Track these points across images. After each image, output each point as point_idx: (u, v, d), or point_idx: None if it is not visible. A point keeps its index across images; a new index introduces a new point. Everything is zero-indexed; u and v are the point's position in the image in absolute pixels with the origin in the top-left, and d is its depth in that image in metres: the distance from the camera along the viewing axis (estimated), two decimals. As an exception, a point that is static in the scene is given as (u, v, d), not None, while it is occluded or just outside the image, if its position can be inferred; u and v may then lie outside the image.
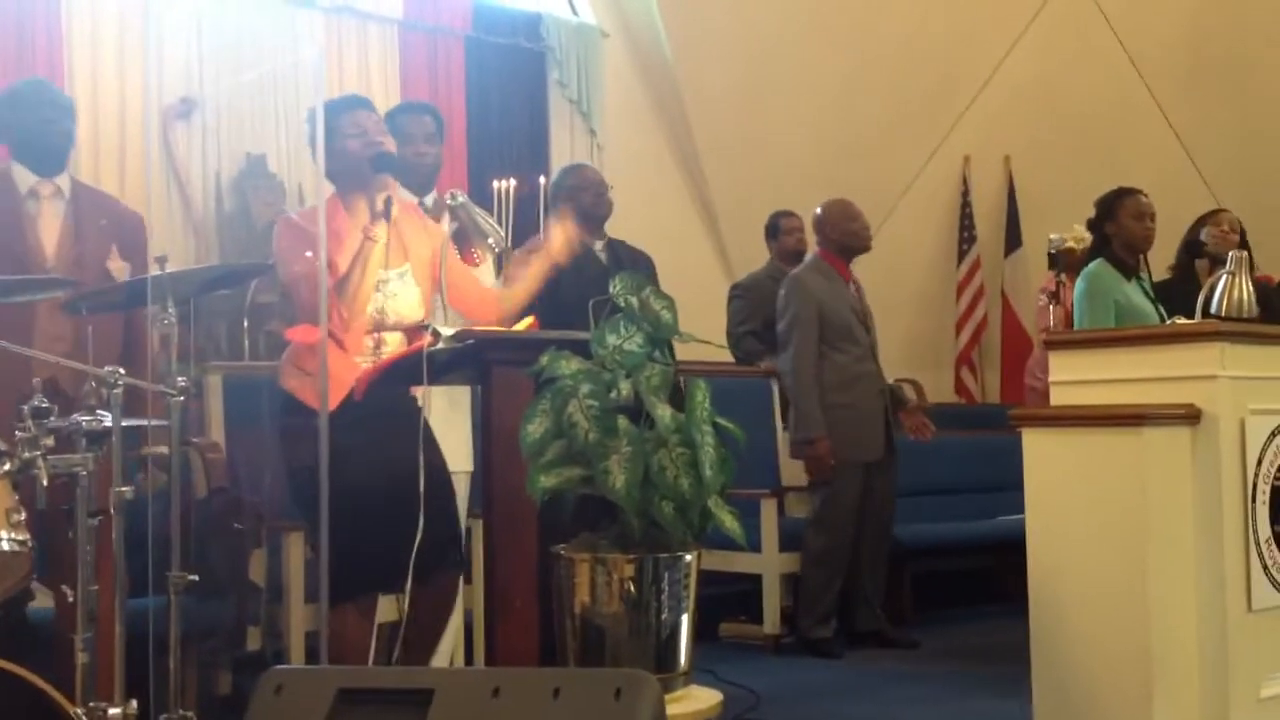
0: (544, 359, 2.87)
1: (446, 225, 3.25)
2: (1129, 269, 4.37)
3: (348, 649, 3.05)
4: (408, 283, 3.25)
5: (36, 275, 3.22)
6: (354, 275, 3.11)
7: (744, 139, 7.61)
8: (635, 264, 4.29)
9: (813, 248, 5.29)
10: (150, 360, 3.18)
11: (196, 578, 2.75)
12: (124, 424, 2.55)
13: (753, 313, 6.03)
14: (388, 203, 3.14)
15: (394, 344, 3.21)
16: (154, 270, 2.81)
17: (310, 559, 3.58)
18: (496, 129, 6.91)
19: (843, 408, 4.97)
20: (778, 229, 6.22)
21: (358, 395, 2.96)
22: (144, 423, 2.80)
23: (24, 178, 3.41)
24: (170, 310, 2.71)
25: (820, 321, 4.97)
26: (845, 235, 5.08)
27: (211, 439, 3.89)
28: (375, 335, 3.20)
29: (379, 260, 3.14)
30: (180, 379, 2.69)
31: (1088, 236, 4.62)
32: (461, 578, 3.44)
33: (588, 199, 4.26)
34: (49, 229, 3.40)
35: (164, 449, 2.72)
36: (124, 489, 2.54)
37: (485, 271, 3.71)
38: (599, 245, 4.25)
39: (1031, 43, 8.25)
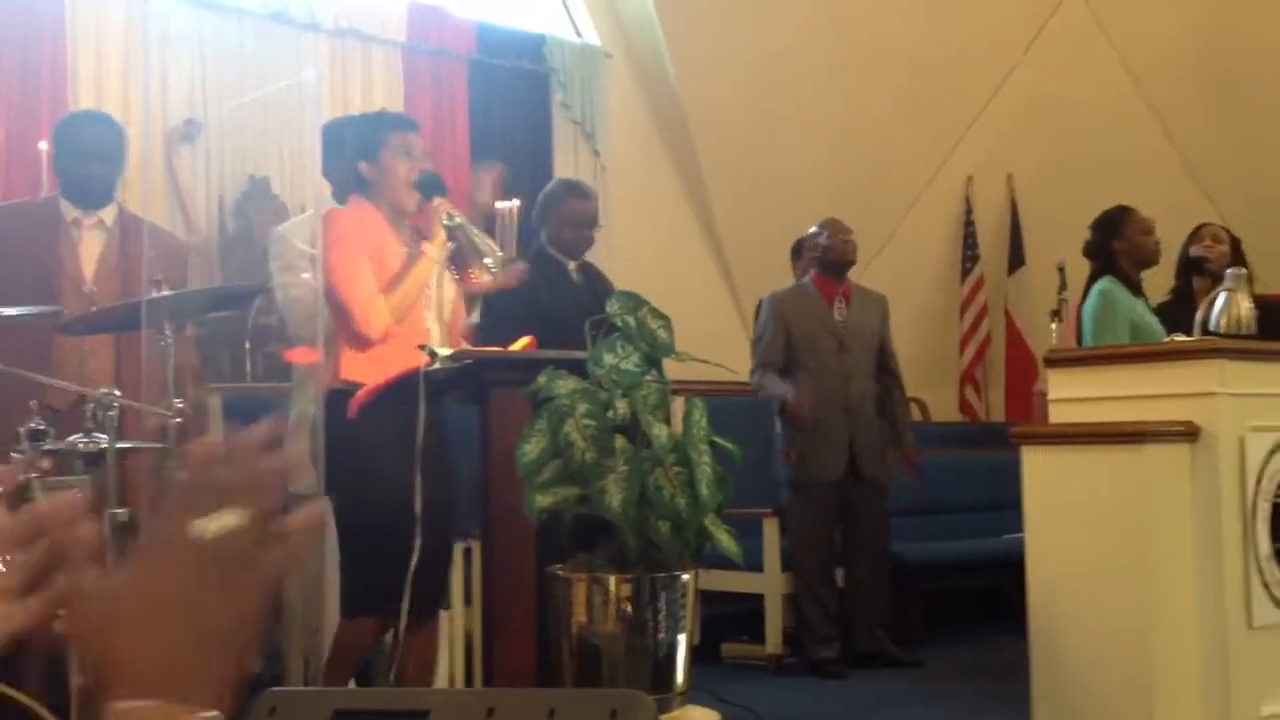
0: (541, 379, 2.87)
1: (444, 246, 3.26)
2: (1135, 286, 4.38)
3: (349, 663, 3.06)
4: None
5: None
6: (404, 285, 3.11)
7: (748, 160, 7.62)
8: (603, 285, 4.30)
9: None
10: (144, 382, 3.20)
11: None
12: (120, 446, 2.56)
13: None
14: (452, 226, 3.16)
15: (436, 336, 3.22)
16: (150, 293, 2.82)
17: (311, 577, 3.58)
18: (500, 151, 6.91)
19: (805, 426, 4.99)
20: (802, 249, 6.29)
21: (351, 413, 2.97)
22: (141, 445, 2.81)
23: (69, 210, 3.62)
24: (167, 332, 2.72)
25: (788, 340, 5.10)
26: (824, 250, 5.18)
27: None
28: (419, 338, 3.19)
29: (427, 278, 3.16)
30: (178, 400, 2.70)
31: None
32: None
33: (568, 233, 4.25)
34: (89, 257, 3.58)
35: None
36: (119, 511, 2.55)
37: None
38: (572, 266, 4.25)
39: (1033, 62, 8.26)
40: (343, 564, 3.17)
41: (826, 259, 5.18)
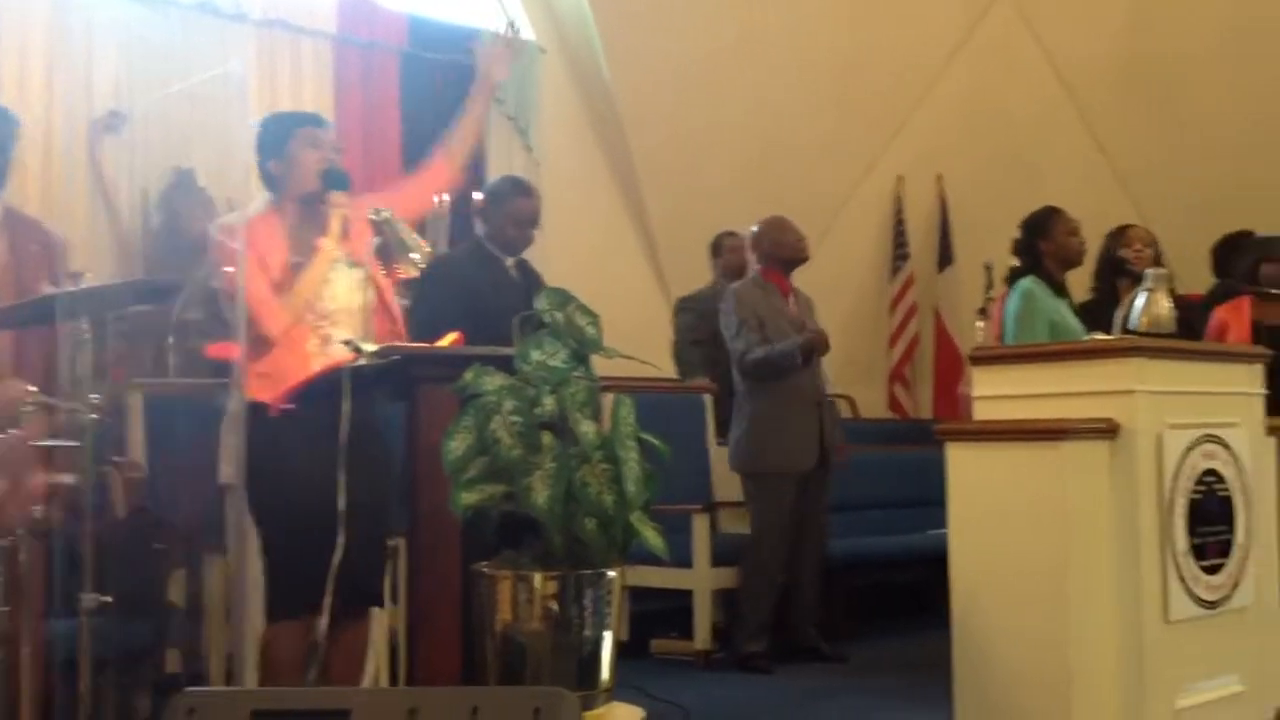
0: (468, 375, 2.86)
1: (370, 241, 3.23)
2: (1059, 286, 4.45)
3: (280, 669, 3.02)
4: (362, 284, 3.23)
5: None
6: (301, 278, 3.09)
7: (681, 157, 7.64)
8: (539, 284, 4.29)
9: (753, 266, 5.35)
10: (60, 378, 3.13)
11: (110, 599, 2.71)
12: (39, 444, 2.51)
13: (699, 325, 6.12)
14: (344, 224, 3.14)
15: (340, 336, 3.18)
16: (68, 286, 2.77)
17: (233, 576, 3.54)
18: (432, 144, 6.85)
19: (776, 418, 5.05)
20: (720, 247, 6.32)
21: (273, 411, 2.94)
22: (58, 443, 2.76)
23: None
24: (84, 327, 2.67)
25: (760, 331, 5.11)
26: (780, 248, 5.22)
27: (132, 458, 3.83)
28: (323, 334, 3.16)
29: (322, 273, 3.13)
30: (94, 397, 2.65)
31: None
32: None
33: (511, 231, 4.24)
34: None
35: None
36: (35, 508, 2.50)
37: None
38: (510, 262, 4.24)
39: (963, 64, 8.36)
40: (267, 567, 3.12)
41: (786, 256, 5.22)
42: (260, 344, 3.09)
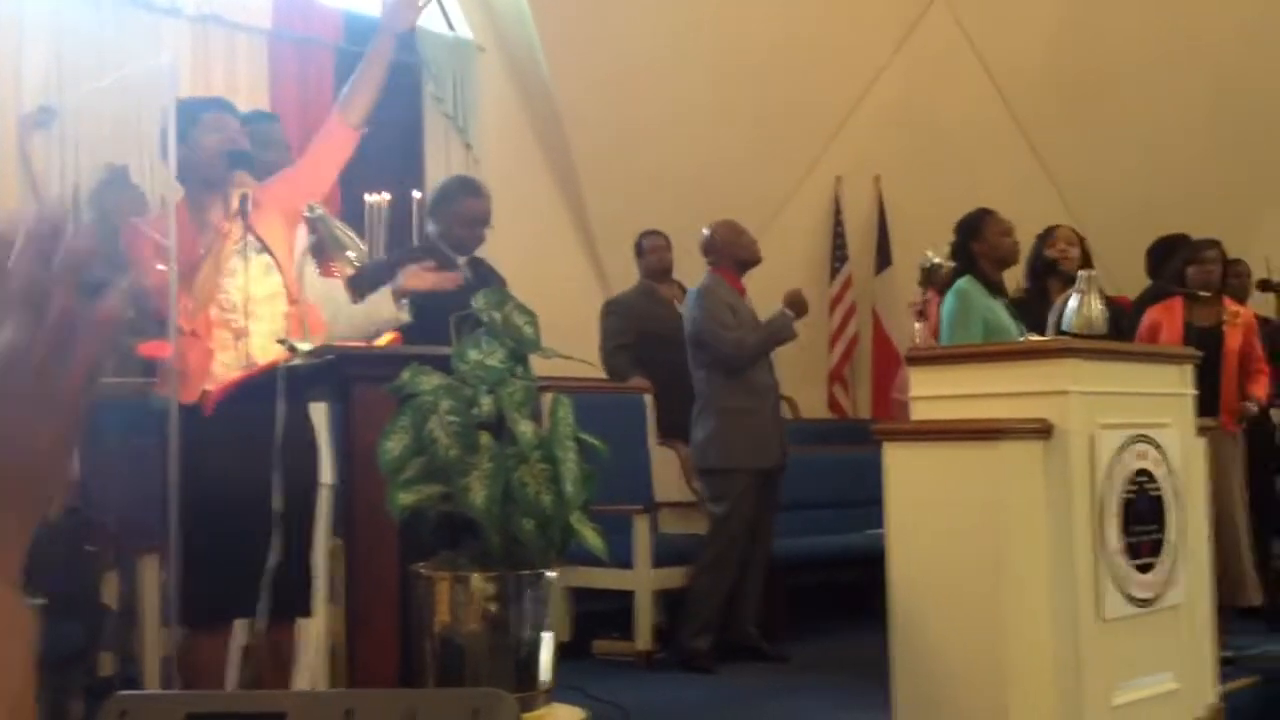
0: (405, 374, 2.83)
1: (304, 238, 3.19)
2: (995, 286, 4.50)
3: (202, 674, 2.97)
4: (267, 270, 3.17)
5: None
6: (204, 268, 3.04)
7: (620, 156, 7.63)
8: (494, 281, 4.28)
9: (702, 268, 5.37)
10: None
11: (42, 601, 2.66)
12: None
13: (626, 328, 6.10)
14: (243, 200, 3.08)
15: (258, 333, 3.12)
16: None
17: (164, 581, 3.48)
18: (369, 142, 6.76)
19: (745, 414, 5.08)
20: (642, 248, 6.33)
21: (207, 411, 2.89)
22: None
23: None
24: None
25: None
26: (736, 249, 5.27)
27: (63, 458, 3.75)
28: (236, 326, 3.10)
29: (228, 254, 3.07)
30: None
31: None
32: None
33: (461, 230, 4.22)
34: None
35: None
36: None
37: (337, 286, 3.64)
38: (462, 261, 4.21)
39: (900, 66, 8.44)
40: (190, 570, 3.05)
41: (743, 258, 5.26)
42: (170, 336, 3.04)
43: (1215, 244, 5.62)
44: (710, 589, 5.06)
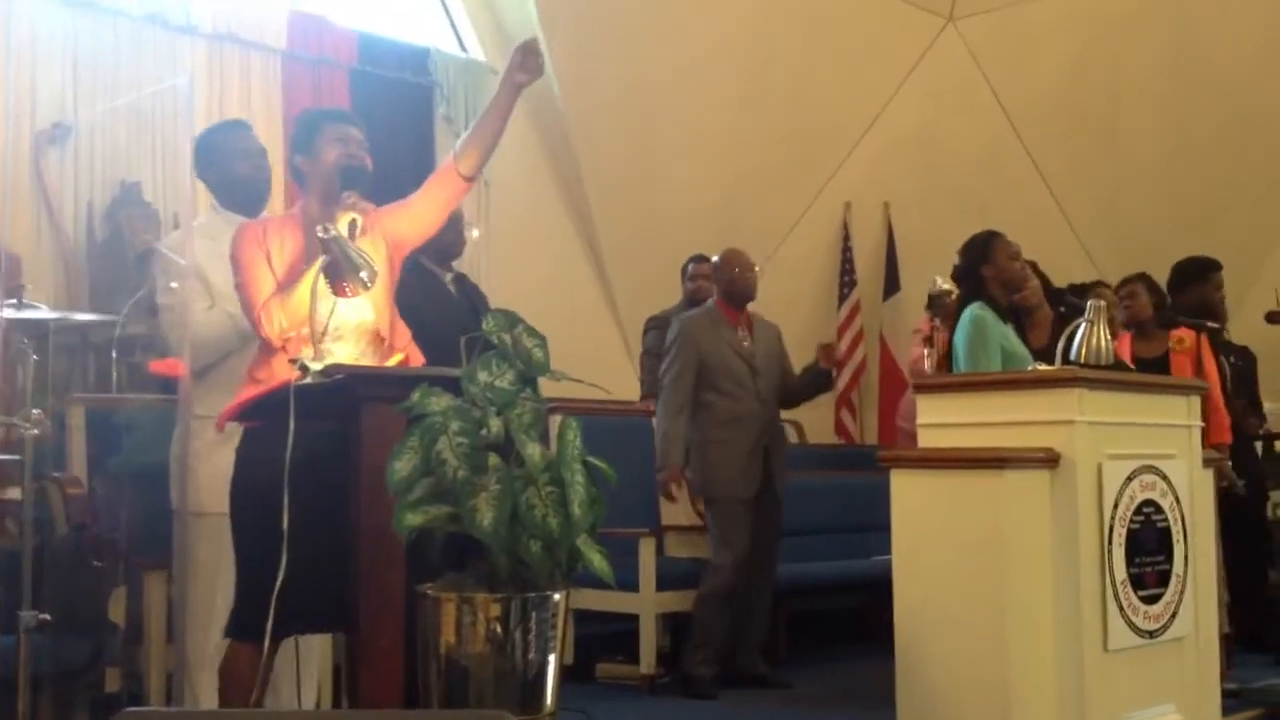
0: (415, 395, 2.84)
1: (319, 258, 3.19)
2: (1003, 311, 4.40)
3: (239, 684, 2.96)
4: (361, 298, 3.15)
5: None
6: (298, 287, 3.02)
7: (631, 182, 7.66)
8: (479, 299, 4.28)
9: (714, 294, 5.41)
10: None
11: (49, 617, 2.67)
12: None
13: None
14: (352, 225, 3.08)
15: (342, 355, 3.10)
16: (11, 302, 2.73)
17: (176, 596, 3.48)
18: (381, 162, 6.72)
19: (719, 444, 5.09)
20: (686, 273, 6.36)
21: (218, 428, 2.90)
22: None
23: None
24: (25, 341, 2.64)
25: (700, 365, 5.17)
26: (729, 284, 5.28)
27: (73, 473, 3.77)
28: (321, 348, 3.08)
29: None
30: (35, 411, 2.62)
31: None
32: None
33: (448, 235, 4.21)
34: None
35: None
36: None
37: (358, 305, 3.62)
38: (448, 277, 4.22)
39: (911, 94, 8.46)
40: (237, 584, 3.05)
41: (732, 291, 5.27)
42: (265, 349, 3.05)
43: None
44: (712, 615, 5.05)
